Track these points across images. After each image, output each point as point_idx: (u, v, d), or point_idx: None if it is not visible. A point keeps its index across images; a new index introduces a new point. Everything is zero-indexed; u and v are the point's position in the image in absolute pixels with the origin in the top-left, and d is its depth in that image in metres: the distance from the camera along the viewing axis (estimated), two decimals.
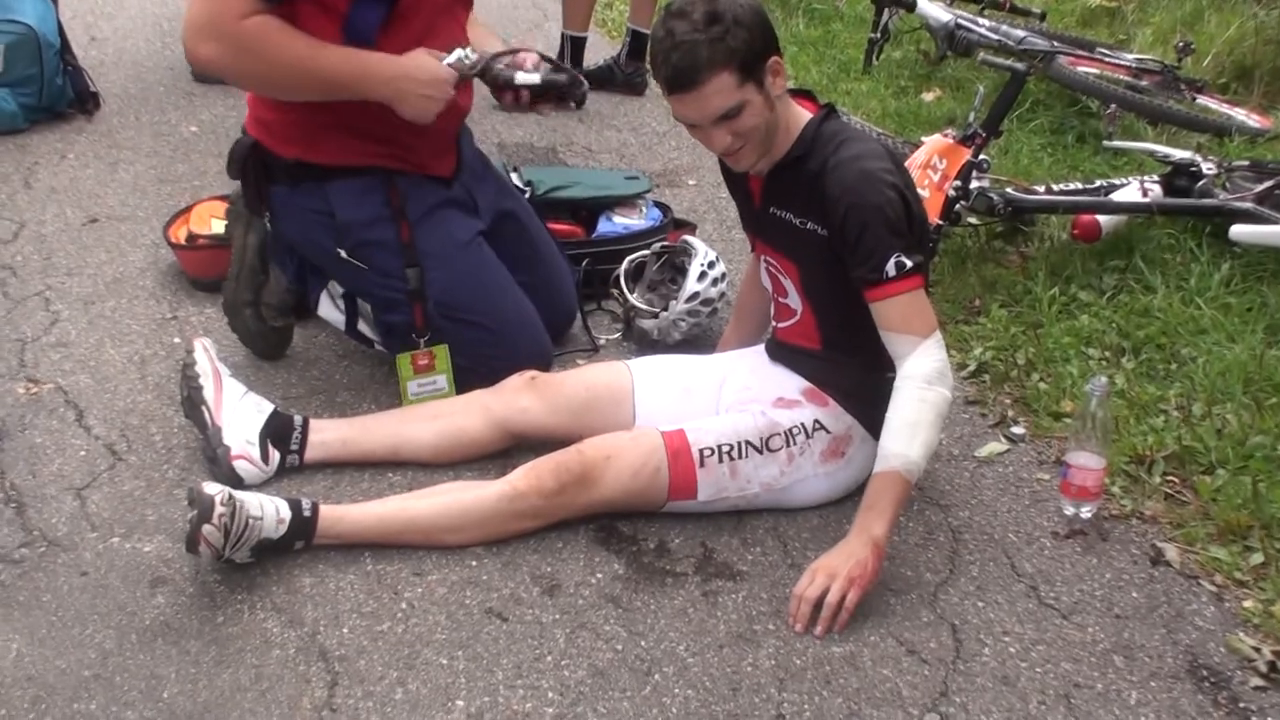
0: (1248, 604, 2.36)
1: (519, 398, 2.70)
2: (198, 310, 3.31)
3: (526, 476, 2.44)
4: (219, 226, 3.40)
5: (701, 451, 2.48)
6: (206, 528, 2.22)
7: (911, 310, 2.36)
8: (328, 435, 2.67)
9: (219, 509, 2.23)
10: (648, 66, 5.33)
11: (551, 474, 2.44)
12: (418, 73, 2.64)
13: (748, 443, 2.51)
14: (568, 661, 2.17)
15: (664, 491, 2.48)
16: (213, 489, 2.26)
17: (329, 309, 2.97)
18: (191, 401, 2.63)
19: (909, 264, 2.33)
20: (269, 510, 2.33)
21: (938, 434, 2.41)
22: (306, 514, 2.37)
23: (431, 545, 2.43)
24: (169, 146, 4.44)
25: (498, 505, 2.43)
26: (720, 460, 2.49)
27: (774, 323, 2.72)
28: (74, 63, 4.65)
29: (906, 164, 3.13)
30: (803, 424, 2.54)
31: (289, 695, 2.08)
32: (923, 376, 2.35)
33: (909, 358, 2.36)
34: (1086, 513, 2.59)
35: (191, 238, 3.42)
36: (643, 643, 2.23)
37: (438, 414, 2.72)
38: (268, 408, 2.66)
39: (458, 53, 2.68)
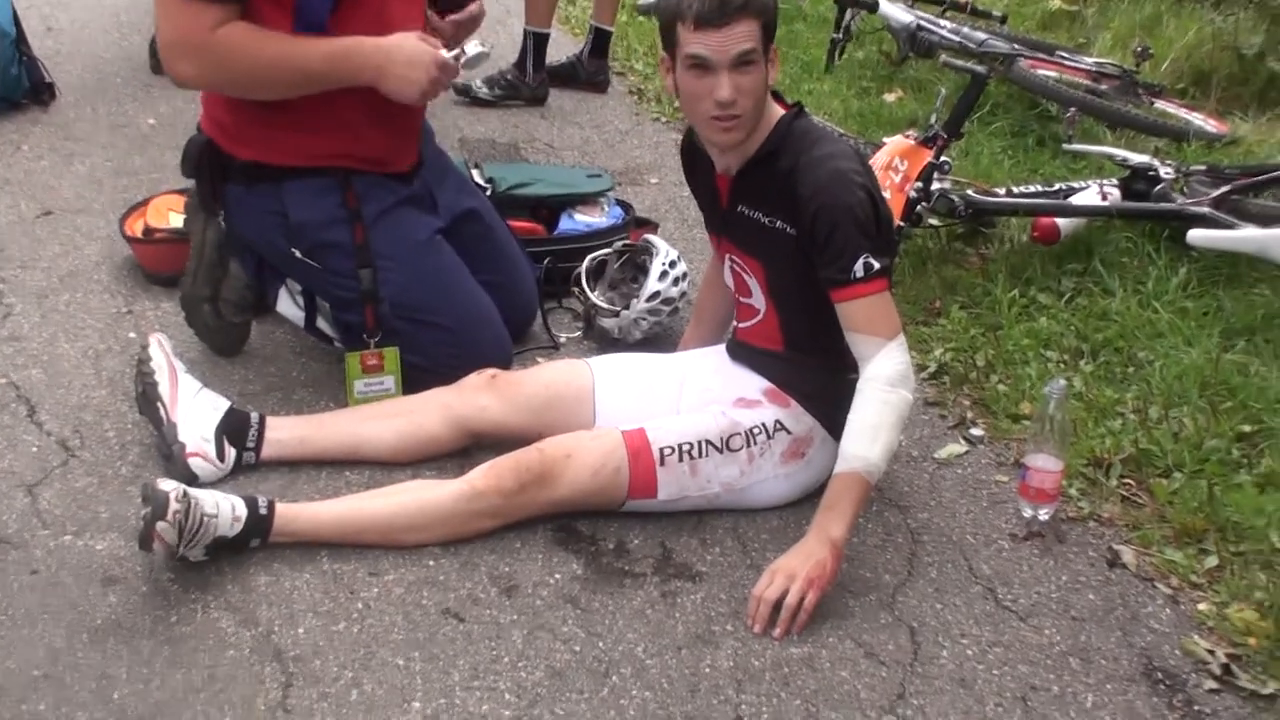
0: (1202, 607, 2.38)
1: (478, 396, 2.68)
2: (153, 305, 3.27)
3: (486, 476, 2.43)
4: (176, 220, 3.36)
5: (662, 450, 2.48)
6: (161, 525, 2.19)
7: (877, 312, 2.36)
8: (284, 433, 2.65)
9: (173, 506, 2.20)
10: (610, 64, 5.36)
11: (511, 473, 2.42)
12: (398, 52, 2.64)
13: (708, 442, 2.50)
14: (525, 663, 2.16)
15: (624, 490, 2.47)
16: (167, 485, 2.23)
17: (288, 305, 2.95)
18: (146, 397, 2.59)
19: (876, 266, 2.33)
20: (224, 508, 2.31)
21: (898, 436, 2.42)
22: (263, 512, 2.35)
23: (389, 545, 2.41)
24: (126, 139, 4.40)
25: (457, 504, 2.41)
26: (681, 459, 2.48)
27: (736, 323, 2.72)
28: (29, 53, 4.59)
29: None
30: (764, 424, 2.53)
31: (243, 696, 2.05)
32: (885, 379, 2.35)
33: (873, 359, 2.36)
34: (1044, 515, 2.59)
35: (148, 231, 3.38)
36: (601, 644, 2.22)
37: (396, 412, 2.70)
38: (223, 404, 2.63)
39: (469, 46, 2.76)
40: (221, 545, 2.31)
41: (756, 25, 2.31)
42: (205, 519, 2.26)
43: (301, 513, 2.40)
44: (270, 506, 2.36)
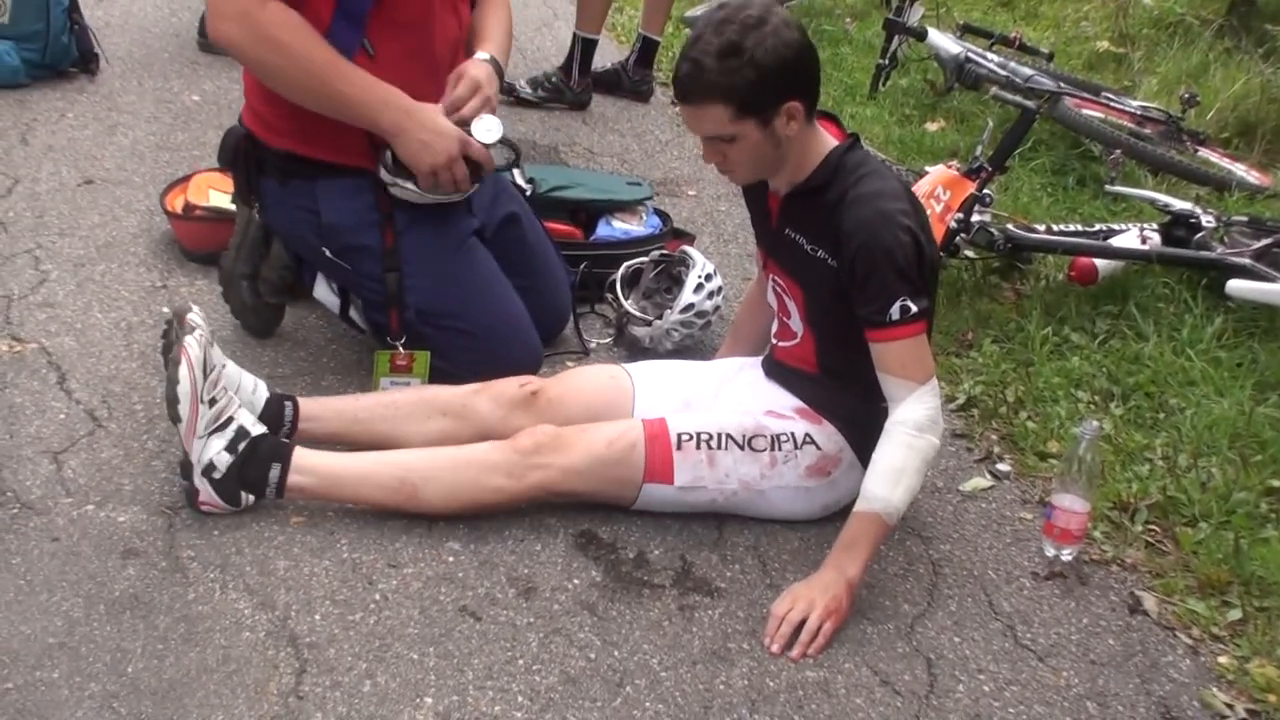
0: (1223, 660, 2.36)
1: (516, 416, 2.63)
2: (188, 281, 3.28)
3: (503, 439, 2.49)
4: (217, 198, 3.36)
5: (680, 435, 2.48)
6: (188, 339, 2.32)
7: (910, 356, 2.35)
8: (315, 427, 2.61)
9: (200, 329, 2.36)
10: (655, 74, 5.36)
11: (528, 434, 2.47)
12: (425, 119, 2.63)
13: (728, 435, 2.50)
14: (539, 666, 2.15)
15: (639, 470, 2.47)
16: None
17: (324, 291, 2.94)
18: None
19: (914, 309, 2.32)
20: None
21: (921, 480, 2.41)
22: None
23: (401, 499, 2.43)
24: (170, 114, 4.41)
25: (472, 454, 2.46)
26: (699, 446, 2.48)
27: (774, 340, 2.70)
28: (81, 21, 4.61)
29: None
30: (793, 434, 2.52)
31: (256, 679, 2.05)
32: (914, 423, 2.34)
33: (903, 402, 2.35)
34: (1067, 555, 2.58)
35: (188, 208, 3.39)
36: (616, 653, 2.21)
37: (430, 414, 2.63)
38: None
39: (483, 127, 2.71)
40: (243, 442, 2.38)
41: (722, 109, 2.29)
42: (224, 371, 2.45)
43: (321, 458, 2.45)
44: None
